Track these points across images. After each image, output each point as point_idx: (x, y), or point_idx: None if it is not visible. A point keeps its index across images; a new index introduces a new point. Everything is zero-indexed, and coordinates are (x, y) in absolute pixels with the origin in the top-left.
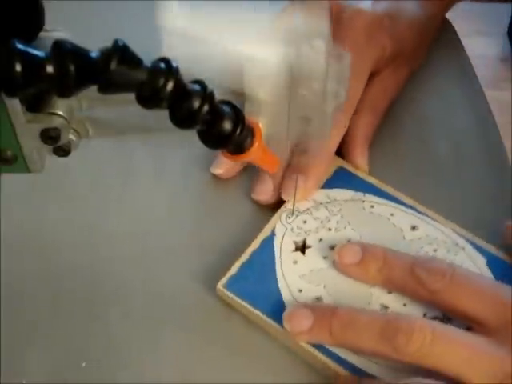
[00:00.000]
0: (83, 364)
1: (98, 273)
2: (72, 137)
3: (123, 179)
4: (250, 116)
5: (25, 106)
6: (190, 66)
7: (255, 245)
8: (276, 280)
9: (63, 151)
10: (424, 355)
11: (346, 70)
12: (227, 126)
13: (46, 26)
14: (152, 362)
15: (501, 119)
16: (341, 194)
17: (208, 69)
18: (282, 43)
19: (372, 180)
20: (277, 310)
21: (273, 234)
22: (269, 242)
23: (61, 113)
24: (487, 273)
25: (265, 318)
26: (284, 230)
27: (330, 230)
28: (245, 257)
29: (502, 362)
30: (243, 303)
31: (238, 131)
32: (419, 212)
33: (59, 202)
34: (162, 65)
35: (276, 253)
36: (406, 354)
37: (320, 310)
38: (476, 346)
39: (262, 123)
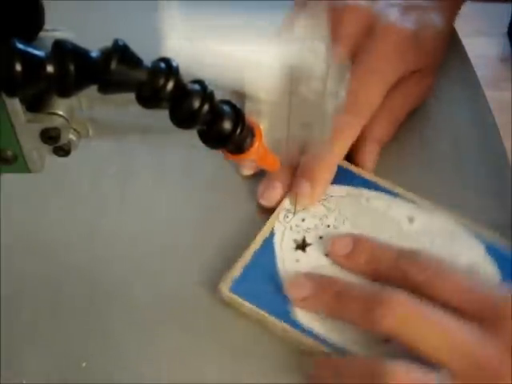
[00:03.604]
0: (83, 364)
1: (97, 273)
2: (72, 137)
3: (123, 179)
4: (250, 116)
5: (25, 106)
6: (190, 66)
7: (256, 246)
8: (280, 279)
9: (63, 151)
10: (399, 330)
11: (346, 70)
12: (227, 125)
13: (46, 26)
14: (152, 363)
15: (501, 119)
16: (336, 190)
17: (208, 69)
18: (283, 44)
19: (366, 175)
20: (283, 309)
21: (272, 233)
22: (269, 242)
23: (61, 113)
24: (487, 260)
25: (271, 318)
26: (283, 229)
27: (328, 226)
28: (246, 258)
29: (483, 350)
30: (249, 305)
31: (238, 131)
32: (415, 203)
33: (59, 202)
34: (162, 65)
35: (277, 252)
36: (382, 327)
37: (318, 280)
38: (454, 328)
39: (262, 123)
